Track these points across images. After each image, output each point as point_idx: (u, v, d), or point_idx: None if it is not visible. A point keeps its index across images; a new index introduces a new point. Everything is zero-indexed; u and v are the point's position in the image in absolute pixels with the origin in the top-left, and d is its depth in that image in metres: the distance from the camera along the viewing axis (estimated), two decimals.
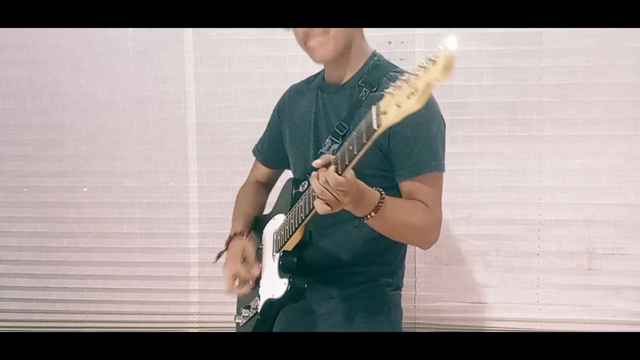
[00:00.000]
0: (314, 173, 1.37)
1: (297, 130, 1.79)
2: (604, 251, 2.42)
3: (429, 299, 2.52)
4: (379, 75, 1.65)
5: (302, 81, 1.90)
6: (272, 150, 1.94)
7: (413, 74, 1.11)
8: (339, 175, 1.31)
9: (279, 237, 1.69)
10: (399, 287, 1.75)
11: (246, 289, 1.73)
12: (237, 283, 1.74)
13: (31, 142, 2.74)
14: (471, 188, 2.47)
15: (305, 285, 1.62)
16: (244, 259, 1.74)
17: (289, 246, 1.65)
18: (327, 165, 1.34)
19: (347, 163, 1.30)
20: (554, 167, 2.43)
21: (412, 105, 1.12)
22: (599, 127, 2.39)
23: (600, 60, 2.38)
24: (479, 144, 2.46)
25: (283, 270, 1.64)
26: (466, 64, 2.43)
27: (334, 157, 1.34)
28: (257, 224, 1.89)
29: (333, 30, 1.60)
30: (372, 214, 1.43)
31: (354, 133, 1.27)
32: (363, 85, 1.65)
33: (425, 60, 1.08)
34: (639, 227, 2.41)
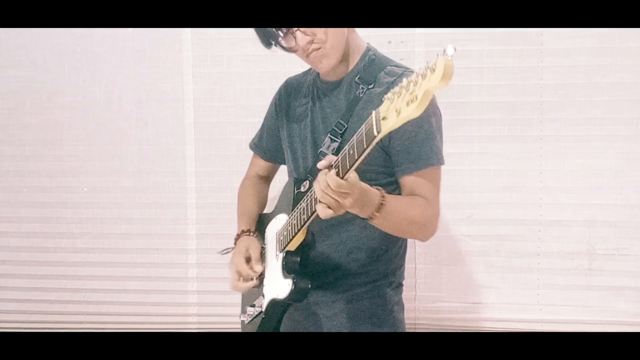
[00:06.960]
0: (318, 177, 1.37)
1: (294, 127, 1.79)
2: (604, 252, 2.41)
3: (429, 299, 2.51)
4: (375, 70, 1.65)
5: (298, 74, 1.89)
6: (271, 145, 1.94)
7: (412, 81, 1.12)
8: (340, 178, 1.32)
9: (282, 238, 1.69)
10: (400, 284, 1.77)
11: (248, 287, 1.74)
12: (240, 280, 1.75)
13: (29, 141, 2.73)
14: (471, 188, 2.46)
15: (309, 286, 1.62)
16: (248, 257, 1.75)
17: (292, 246, 1.65)
18: (329, 167, 1.34)
19: (347, 167, 1.30)
20: (554, 167, 2.42)
21: (411, 112, 1.12)
22: (600, 127, 2.38)
23: (601, 60, 2.37)
24: (479, 144, 2.45)
25: (287, 270, 1.64)
26: (466, 64, 2.42)
27: (336, 158, 1.34)
28: (259, 222, 1.89)
29: (330, 41, 1.59)
30: (376, 213, 1.44)
31: (354, 137, 1.28)
32: (359, 81, 1.64)
33: (424, 67, 1.09)
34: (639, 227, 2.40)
